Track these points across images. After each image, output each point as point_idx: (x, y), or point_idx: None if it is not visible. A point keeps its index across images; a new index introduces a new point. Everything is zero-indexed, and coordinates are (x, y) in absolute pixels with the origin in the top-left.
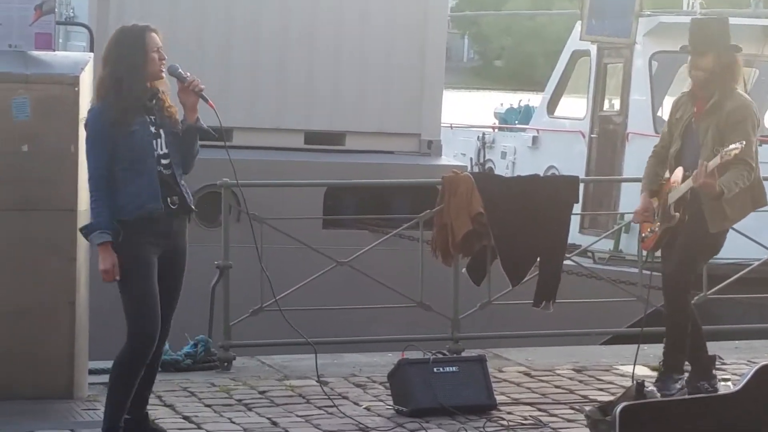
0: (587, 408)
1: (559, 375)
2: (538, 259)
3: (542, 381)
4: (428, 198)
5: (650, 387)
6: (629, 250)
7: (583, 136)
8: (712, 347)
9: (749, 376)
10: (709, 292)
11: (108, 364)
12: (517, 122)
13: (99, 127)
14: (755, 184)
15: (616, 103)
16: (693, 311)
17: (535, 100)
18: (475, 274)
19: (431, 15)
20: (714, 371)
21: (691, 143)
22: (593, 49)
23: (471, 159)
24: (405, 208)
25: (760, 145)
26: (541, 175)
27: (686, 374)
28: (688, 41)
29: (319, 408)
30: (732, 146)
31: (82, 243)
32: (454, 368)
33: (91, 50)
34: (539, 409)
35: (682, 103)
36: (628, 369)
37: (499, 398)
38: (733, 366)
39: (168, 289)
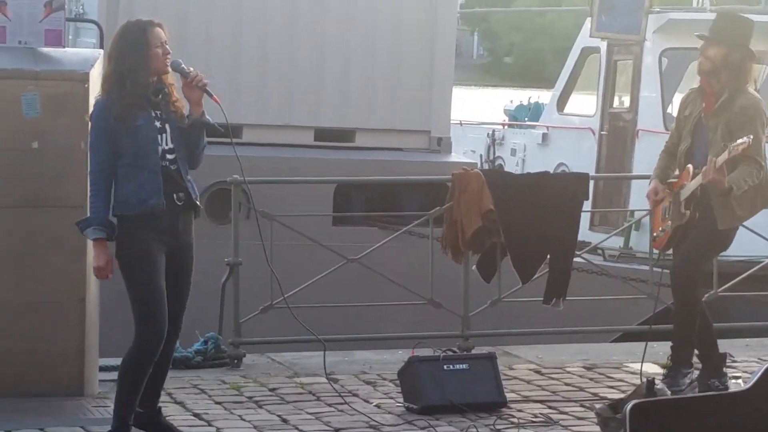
0: (597, 405)
1: (569, 372)
2: (548, 257)
3: (552, 378)
4: (438, 195)
5: (660, 385)
6: (639, 248)
7: (593, 133)
8: (723, 345)
9: (760, 373)
10: (720, 289)
11: (118, 361)
12: (526, 119)
13: (103, 120)
14: (764, 183)
15: (626, 100)
16: (704, 308)
17: (544, 97)
18: (485, 271)
19: (440, 12)
20: (724, 369)
21: (700, 140)
22: (603, 45)
23: (481, 156)
24: (415, 205)
25: None
26: (551, 172)
27: (695, 369)
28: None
29: (329, 405)
30: (740, 141)
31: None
32: (464, 366)
33: (101, 47)
34: (549, 407)
35: (691, 100)
36: (639, 366)
37: (509, 396)
38: (744, 364)
39: (177, 286)
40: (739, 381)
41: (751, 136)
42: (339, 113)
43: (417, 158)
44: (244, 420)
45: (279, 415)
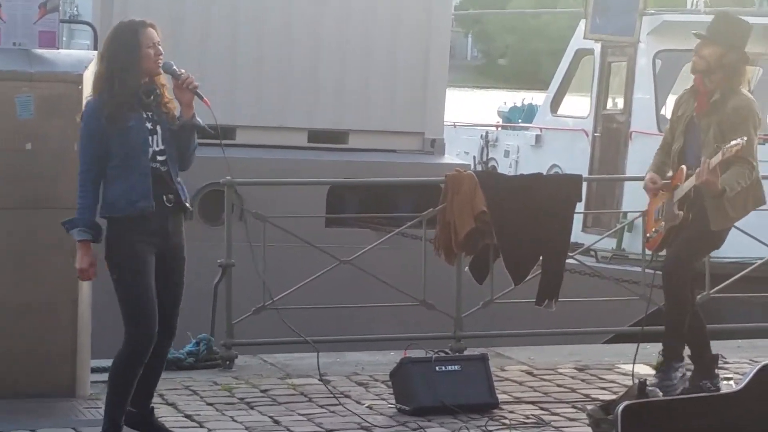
0: (589, 407)
1: (561, 374)
2: (541, 258)
3: (544, 380)
4: (431, 196)
5: (652, 386)
6: (632, 249)
7: (587, 135)
8: (715, 346)
9: (751, 375)
10: (712, 290)
11: (110, 362)
12: (520, 121)
13: (94, 120)
14: (755, 184)
15: (620, 102)
16: (697, 309)
17: (538, 98)
18: (477, 272)
19: (435, 13)
20: (716, 370)
21: (693, 141)
22: (597, 47)
23: (474, 157)
24: (408, 206)
25: (762, 144)
26: (545, 173)
27: (686, 362)
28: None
29: (322, 407)
30: (733, 142)
31: None
32: (456, 367)
33: (95, 48)
34: (541, 408)
35: (684, 100)
36: (631, 368)
37: (501, 397)
38: (736, 365)
39: (169, 288)
40: (731, 382)
41: (745, 138)
42: (332, 115)
43: (410, 160)
44: (235, 421)
45: (271, 417)
